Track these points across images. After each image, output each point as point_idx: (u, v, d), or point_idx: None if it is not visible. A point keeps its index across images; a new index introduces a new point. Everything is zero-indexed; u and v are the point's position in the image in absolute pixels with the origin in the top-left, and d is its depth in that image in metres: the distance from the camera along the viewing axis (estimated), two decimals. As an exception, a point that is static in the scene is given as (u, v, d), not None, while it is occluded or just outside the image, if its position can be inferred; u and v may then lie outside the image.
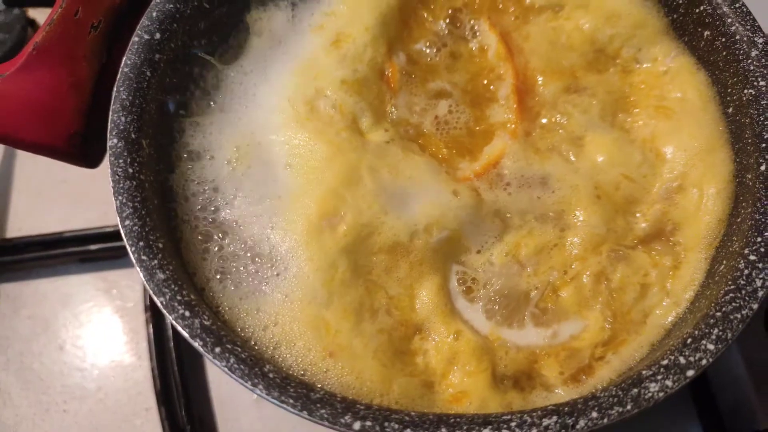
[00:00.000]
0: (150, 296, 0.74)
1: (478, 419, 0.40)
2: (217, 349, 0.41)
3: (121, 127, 0.49)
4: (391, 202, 0.52)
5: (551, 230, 0.53)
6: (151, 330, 0.75)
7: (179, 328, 0.42)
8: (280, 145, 0.54)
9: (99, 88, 0.55)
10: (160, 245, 0.46)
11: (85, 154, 0.55)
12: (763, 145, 0.49)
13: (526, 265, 0.52)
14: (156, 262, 0.44)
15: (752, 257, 0.45)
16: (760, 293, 0.43)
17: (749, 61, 0.52)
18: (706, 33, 0.56)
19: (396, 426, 0.39)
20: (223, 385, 0.74)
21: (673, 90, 0.57)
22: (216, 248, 0.51)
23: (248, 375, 0.41)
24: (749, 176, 0.50)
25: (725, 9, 0.53)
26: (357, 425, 0.39)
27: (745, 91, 0.52)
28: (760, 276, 0.44)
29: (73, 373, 0.76)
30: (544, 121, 0.57)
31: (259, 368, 0.41)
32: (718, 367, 0.69)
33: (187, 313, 0.43)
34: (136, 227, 0.45)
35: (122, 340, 0.78)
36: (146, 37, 0.52)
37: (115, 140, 0.48)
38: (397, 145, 0.55)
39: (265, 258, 0.51)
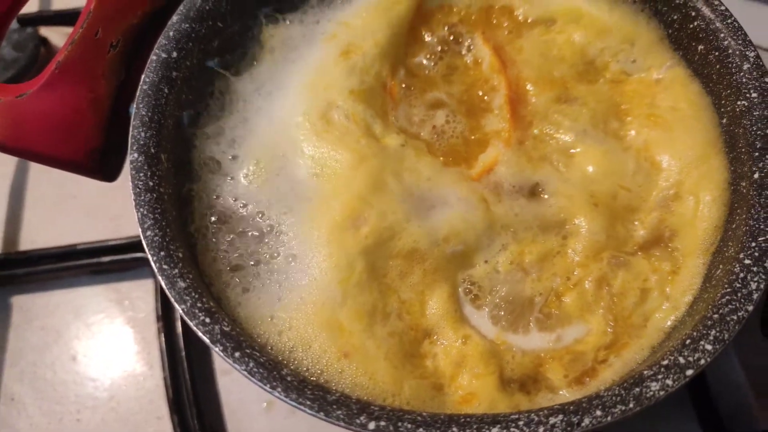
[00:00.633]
0: (161, 307, 0.77)
1: (488, 419, 0.42)
2: (237, 354, 0.43)
3: (141, 142, 0.51)
4: (414, 208, 0.54)
5: (553, 238, 0.55)
6: (163, 340, 0.76)
7: (200, 334, 0.44)
8: (304, 158, 0.56)
9: (117, 105, 0.57)
10: (180, 255, 0.47)
11: (103, 168, 0.57)
12: (756, 154, 0.51)
13: (530, 272, 0.54)
14: (177, 270, 0.46)
15: (747, 261, 0.47)
16: (755, 295, 0.45)
17: (741, 73, 0.54)
18: (700, 47, 0.58)
19: (409, 426, 0.41)
20: (234, 394, 0.75)
21: (665, 99, 0.59)
22: (232, 257, 0.53)
23: (267, 378, 0.42)
24: (744, 184, 0.52)
25: (718, 24, 0.56)
26: (372, 425, 0.41)
27: (738, 102, 0.54)
28: (755, 279, 0.46)
29: (86, 383, 0.78)
30: (536, 131, 0.59)
31: (277, 372, 0.43)
32: (717, 373, 0.71)
33: (207, 320, 0.44)
34: (157, 238, 0.47)
35: (134, 350, 0.79)
36: (163, 55, 0.55)
37: (136, 155, 0.50)
38: (411, 147, 0.58)
39: (282, 262, 0.53)
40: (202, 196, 0.56)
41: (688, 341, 0.44)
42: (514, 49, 0.62)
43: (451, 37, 0.64)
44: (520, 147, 0.58)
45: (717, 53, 0.56)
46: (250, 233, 0.55)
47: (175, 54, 0.55)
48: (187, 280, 0.46)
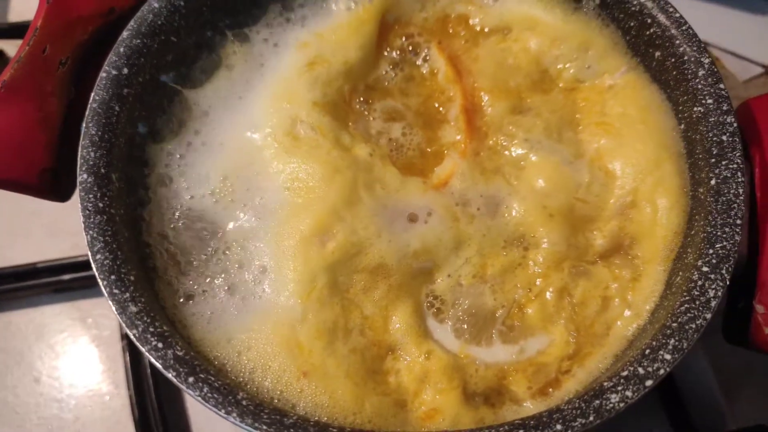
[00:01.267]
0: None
1: (447, 437, 0.41)
2: (191, 379, 0.42)
3: (91, 163, 0.50)
4: (387, 222, 0.53)
5: (515, 250, 0.55)
6: (128, 358, 0.75)
7: (153, 360, 0.43)
8: (273, 173, 0.55)
9: (68, 123, 0.56)
10: (132, 278, 0.46)
11: (56, 188, 0.55)
12: (713, 160, 0.51)
13: (493, 284, 0.54)
14: (128, 295, 0.45)
15: (705, 269, 0.47)
16: (713, 303, 0.45)
17: (697, 80, 0.54)
18: (657, 54, 0.58)
19: (368, 447, 0.40)
20: (201, 413, 0.74)
21: (615, 106, 0.59)
22: (190, 277, 0.52)
23: (222, 404, 0.41)
24: (701, 190, 0.52)
25: (673, 31, 0.56)
26: (330, 448, 0.40)
27: (695, 108, 0.54)
28: (713, 287, 0.46)
29: (50, 405, 0.76)
30: (491, 142, 0.59)
31: (232, 396, 0.42)
32: (687, 374, 0.71)
33: (160, 345, 0.43)
34: (108, 261, 0.46)
35: (99, 369, 0.78)
36: (114, 72, 0.53)
37: (85, 175, 0.49)
38: (378, 157, 0.57)
39: (242, 280, 0.52)
40: (158, 215, 0.55)
41: (647, 351, 0.44)
42: (470, 58, 0.62)
43: (410, 48, 0.63)
44: (475, 159, 0.58)
45: (673, 60, 0.56)
46: (210, 251, 0.54)
47: (126, 70, 0.54)
48: (139, 304, 0.45)
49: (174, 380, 0.42)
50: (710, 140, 0.52)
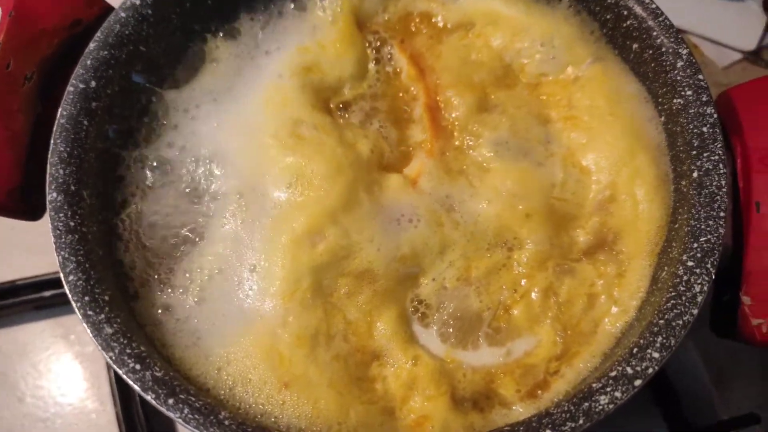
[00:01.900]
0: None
1: (436, 447, 0.40)
2: (171, 401, 0.41)
3: (60, 180, 0.48)
4: (381, 226, 0.53)
5: (499, 251, 0.54)
6: (113, 374, 0.73)
7: (130, 382, 0.42)
8: (279, 171, 0.54)
9: (36, 140, 0.54)
10: (107, 298, 0.45)
11: (26, 207, 0.54)
12: (694, 152, 0.51)
13: (478, 286, 0.53)
14: (103, 316, 0.44)
15: (690, 263, 0.46)
16: (699, 298, 0.45)
17: (676, 71, 0.53)
18: (635, 46, 0.57)
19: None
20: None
21: (582, 98, 0.58)
22: (167, 293, 0.51)
23: (203, 424, 0.40)
24: (684, 183, 0.51)
25: (650, 23, 0.55)
26: (315, 464, 0.39)
27: (675, 100, 0.53)
28: (698, 281, 0.45)
29: (36, 425, 0.75)
30: (457, 142, 0.58)
31: (214, 416, 0.41)
32: (677, 365, 0.71)
33: (137, 366, 0.42)
34: (81, 282, 0.45)
35: (83, 386, 0.76)
36: (81, 86, 0.52)
37: (55, 194, 0.48)
38: (377, 154, 0.56)
39: (223, 287, 0.51)
40: (134, 229, 0.53)
41: (635, 350, 0.44)
42: (433, 55, 0.61)
43: (378, 44, 0.62)
44: (442, 158, 0.57)
45: (651, 51, 0.55)
46: (190, 261, 0.53)
47: (93, 83, 0.52)
48: (115, 325, 0.44)
49: (153, 402, 0.41)
50: (691, 132, 0.51)
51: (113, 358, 0.42)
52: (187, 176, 0.55)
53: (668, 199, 0.54)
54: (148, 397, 0.41)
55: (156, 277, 0.52)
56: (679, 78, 0.53)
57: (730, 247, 0.51)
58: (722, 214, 0.47)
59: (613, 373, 0.42)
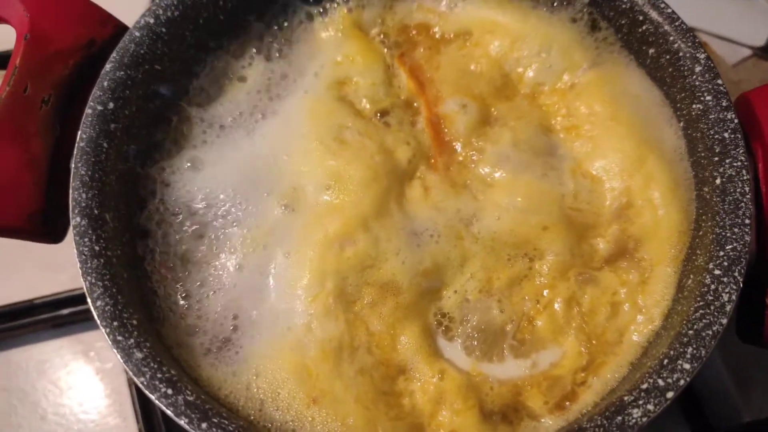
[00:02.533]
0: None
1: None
2: (204, 425, 0.41)
3: (83, 204, 0.48)
4: (408, 238, 0.53)
5: (520, 262, 0.54)
6: (134, 390, 0.73)
7: (163, 408, 0.42)
8: (318, 175, 0.55)
9: (55, 162, 0.54)
10: (135, 322, 0.45)
11: (47, 230, 0.54)
12: (716, 158, 0.50)
13: (500, 298, 0.53)
14: (132, 341, 0.44)
15: (717, 272, 0.46)
16: (728, 308, 0.45)
17: (694, 77, 0.53)
18: (651, 51, 0.57)
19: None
20: (213, 439, 0.73)
21: (580, 106, 0.58)
22: (193, 312, 0.51)
23: (237, 449, 0.40)
24: (706, 189, 0.51)
25: (666, 27, 0.55)
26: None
27: (694, 106, 0.53)
28: (726, 290, 0.45)
29: (58, 443, 0.75)
30: (460, 158, 0.58)
31: (247, 439, 0.41)
32: (701, 370, 0.71)
33: (169, 391, 0.42)
34: (109, 307, 0.45)
35: (105, 402, 0.76)
36: (99, 108, 0.52)
37: (78, 218, 0.48)
38: (414, 164, 0.57)
39: (249, 299, 0.52)
40: (160, 249, 0.54)
41: (665, 361, 0.43)
42: (432, 67, 0.61)
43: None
44: (446, 173, 0.57)
45: (668, 56, 0.55)
46: (215, 273, 0.53)
47: (111, 105, 0.52)
48: (145, 350, 0.44)
49: (186, 427, 0.41)
50: (712, 138, 0.51)
51: (145, 383, 0.42)
52: (209, 190, 0.56)
53: (687, 203, 0.53)
54: (182, 422, 0.41)
55: (181, 295, 0.52)
56: (697, 83, 0.53)
57: (754, 253, 0.51)
58: (747, 221, 0.47)
59: (645, 386, 0.42)
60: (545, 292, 0.53)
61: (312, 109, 0.57)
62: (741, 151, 0.50)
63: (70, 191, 0.49)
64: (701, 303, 0.45)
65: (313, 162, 0.55)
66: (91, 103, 0.52)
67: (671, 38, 0.55)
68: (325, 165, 0.55)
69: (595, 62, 0.59)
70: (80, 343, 0.79)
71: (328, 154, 0.55)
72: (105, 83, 0.53)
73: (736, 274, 0.45)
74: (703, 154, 0.52)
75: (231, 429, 0.41)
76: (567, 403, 0.49)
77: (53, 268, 0.81)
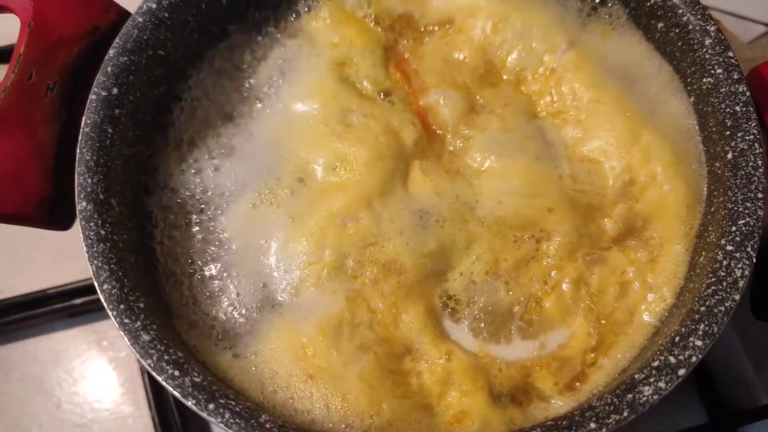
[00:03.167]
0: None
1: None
2: (211, 406, 0.41)
3: (89, 189, 0.48)
4: (411, 222, 0.53)
5: (526, 243, 0.53)
6: (147, 379, 0.74)
7: (170, 389, 0.42)
8: (325, 155, 0.55)
9: (61, 150, 0.54)
10: (141, 305, 0.45)
11: (55, 217, 0.54)
12: (727, 132, 0.49)
13: (507, 279, 0.52)
14: (139, 323, 0.44)
15: (729, 247, 0.45)
16: (741, 283, 0.44)
17: (704, 50, 0.52)
18: (660, 24, 0.56)
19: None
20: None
21: (564, 90, 0.58)
22: (201, 295, 0.51)
23: (245, 428, 0.41)
24: (718, 164, 0.50)
25: (675, 0, 0.54)
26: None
27: (704, 80, 0.52)
28: (739, 266, 0.44)
29: (73, 431, 0.75)
30: (450, 148, 0.57)
31: (255, 420, 0.41)
32: (716, 350, 0.70)
33: (176, 373, 0.42)
34: (115, 290, 0.45)
35: (119, 391, 0.77)
36: (103, 93, 0.52)
37: (84, 203, 0.48)
38: (420, 147, 0.56)
39: (250, 285, 0.52)
40: (166, 234, 0.54)
41: (677, 338, 0.43)
42: (417, 58, 0.61)
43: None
44: (439, 161, 0.57)
45: (677, 30, 0.54)
46: (218, 252, 0.53)
47: (115, 90, 0.52)
48: (151, 332, 0.44)
49: (194, 408, 0.41)
50: (723, 112, 0.50)
51: (152, 365, 0.42)
52: (214, 178, 0.56)
53: (693, 177, 0.53)
54: (189, 403, 0.41)
55: (186, 279, 0.52)
56: (707, 56, 0.52)
57: (768, 228, 0.50)
58: (760, 195, 0.46)
59: (656, 363, 0.41)
60: (553, 273, 0.53)
61: (316, 94, 0.57)
62: (753, 125, 0.49)
63: (76, 176, 0.49)
64: (713, 279, 0.44)
65: (320, 145, 0.56)
66: (95, 89, 0.52)
67: (680, 11, 0.54)
68: (330, 147, 0.55)
69: (573, 42, 0.59)
70: (94, 333, 0.80)
71: (333, 137, 0.55)
72: (109, 69, 0.53)
73: (749, 249, 0.45)
74: (714, 129, 0.51)
75: (238, 410, 0.41)
76: (577, 384, 0.49)
77: (65, 258, 0.82)
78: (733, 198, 0.47)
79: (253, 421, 0.41)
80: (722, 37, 0.52)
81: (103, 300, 0.45)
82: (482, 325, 0.51)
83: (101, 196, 0.48)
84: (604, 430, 0.39)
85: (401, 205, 0.53)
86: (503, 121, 0.57)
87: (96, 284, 0.45)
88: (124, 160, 0.52)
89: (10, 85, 0.52)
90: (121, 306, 0.44)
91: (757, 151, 0.48)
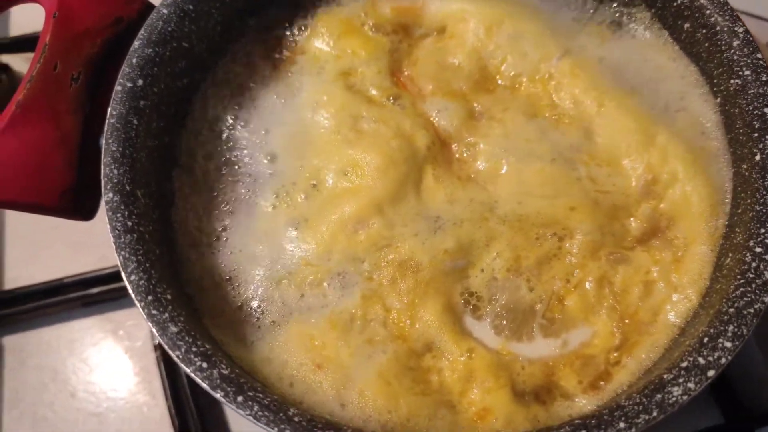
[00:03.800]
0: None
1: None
2: (240, 398, 0.41)
3: (115, 180, 0.48)
4: (426, 226, 0.53)
5: (549, 240, 0.53)
6: (163, 368, 0.74)
7: (198, 380, 0.42)
8: (337, 162, 0.56)
9: (86, 140, 0.54)
10: (169, 296, 0.45)
11: (79, 207, 0.54)
12: (755, 134, 0.49)
13: (529, 277, 0.52)
14: (167, 315, 0.44)
15: (758, 249, 0.45)
16: (770, 285, 0.44)
17: (732, 51, 0.52)
18: (686, 25, 0.56)
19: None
20: (243, 418, 0.74)
21: (563, 97, 0.58)
22: (228, 287, 0.52)
23: (274, 421, 0.41)
24: (745, 166, 0.50)
25: (702, 1, 0.54)
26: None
27: (732, 81, 0.52)
28: (768, 268, 0.44)
29: (89, 420, 0.76)
30: (457, 155, 0.57)
31: (283, 413, 0.41)
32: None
33: (204, 365, 0.42)
34: (143, 281, 0.45)
35: (134, 380, 0.77)
36: (129, 84, 0.52)
37: (111, 194, 0.48)
38: (433, 151, 0.56)
39: (266, 280, 0.53)
40: (188, 222, 0.54)
41: (705, 339, 0.43)
42: (410, 63, 0.61)
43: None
44: (450, 168, 0.57)
45: (704, 31, 0.54)
46: (239, 258, 0.53)
47: (140, 82, 0.52)
48: (179, 324, 0.44)
49: (222, 400, 0.41)
50: (751, 113, 0.50)
51: (180, 356, 0.42)
52: (242, 164, 0.57)
53: (715, 176, 0.53)
54: (217, 395, 0.41)
55: (208, 271, 0.53)
56: (735, 57, 0.52)
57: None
58: (789, 197, 0.46)
59: (684, 364, 0.42)
60: (576, 272, 0.53)
61: (325, 105, 0.58)
62: (783, 127, 0.48)
63: (102, 167, 0.49)
64: (741, 281, 0.44)
65: (332, 152, 0.56)
66: (121, 80, 0.52)
67: (708, 12, 0.54)
68: (343, 154, 0.55)
69: (567, 50, 0.59)
70: (109, 322, 0.80)
71: (345, 144, 0.56)
72: (134, 60, 0.53)
73: (779, 251, 0.44)
74: (741, 131, 0.51)
75: (266, 403, 0.41)
76: (601, 383, 0.49)
77: (81, 247, 0.82)
78: (762, 200, 0.47)
79: (281, 414, 0.41)
80: (751, 38, 0.52)
81: (130, 291, 0.45)
82: (504, 322, 0.51)
83: (127, 187, 0.48)
84: (633, 429, 0.39)
85: (414, 211, 0.54)
86: (504, 126, 0.57)
87: (123, 275, 0.45)
88: (148, 152, 0.52)
89: (36, 75, 0.52)
90: (149, 297, 0.44)
91: (787, 153, 0.48)
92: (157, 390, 0.75)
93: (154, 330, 0.43)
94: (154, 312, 0.44)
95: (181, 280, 0.52)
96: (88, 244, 0.82)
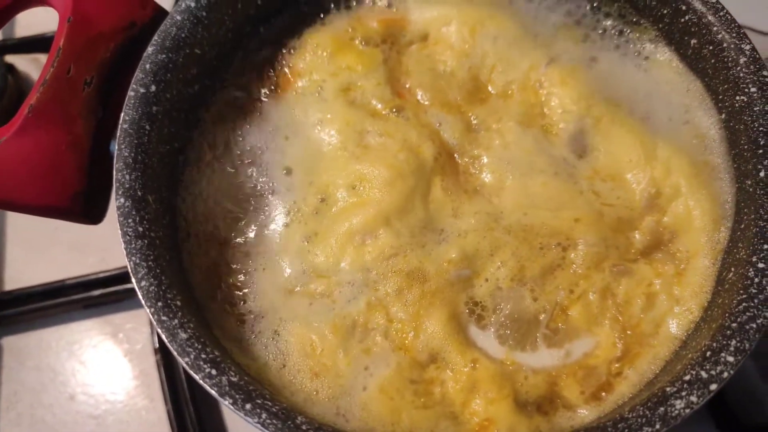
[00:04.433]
0: (159, 338, 0.75)
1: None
2: (248, 406, 0.42)
3: (127, 186, 0.49)
4: (433, 237, 0.54)
5: (553, 250, 0.54)
6: (163, 372, 0.74)
7: (207, 388, 0.42)
8: (345, 176, 0.56)
9: (97, 144, 0.55)
10: (178, 303, 0.46)
11: (88, 211, 0.55)
12: (760, 151, 0.50)
13: (533, 287, 0.53)
14: (176, 321, 0.44)
15: (761, 265, 0.46)
16: (772, 301, 0.44)
17: (738, 68, 0.53)
18: (693, 41, 0.57)
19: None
20: (241, 422, 0.74)
21: (554, 104, 0.59)
22: (234, 296, 0.52)
23: (282, 429, 0.41)
24: (749, 182, 0.51)
25: (710, 18, 0.54)
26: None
27: (737, 98, 0.53)
28: (770, 284, 0.45)
29: (87, 422, 0.76)
30: (462, 169, 0.58)
31: (291, 421, 0.41)
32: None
33: (213, 372, 0.43)
34: (153, 287, 0.45)
35: (133, 384, 0.77)
36: (142, 90, 0.52)
37: (122, 199, 0.48)
38: (440, 162, 0.57)
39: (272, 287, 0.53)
40: (198, 229, 0.55)
41: (708, 353, 0.43)
42: (402, 72, 0.61)
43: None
44: (457, 180, 0.57)
45: (711, 47, 0.55)
46: (249, 266, 0.53)
47: (153, 88, 0.52)
48: (189, 330, 0.44)
49: (231, 408, 0.41)
50: (756, 130, 0.51)
51: (189, 363, 0.43)
52: (252, 179, 0.57)
53: (717, 191, 0.54)
54: (226, 402, 0.42)
55: (216, 278, 0.53)
56: (741, 75, 0.53)
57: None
58: (792, 215, 0.47)
59: (687, 377, 0.42)
60: (579, 283, 0.53)
61: (330, 122, 0.58)
62: (787, 145, 0.49)
63: (114, 172, 0.49)
64: (744, 296, 0.45)
65: (340, 169, 0.56)
66: (134, 86, 0.52)
67: (715, 29, 0.54)
68: (350, 170, 0.56)
69: (552, 58, 0.59)
70: (109, 325, 0.80)
71: (353, 160, 0.56)
72: (147, 66, 0.53)
73: (782, 267, 0.45)
74: (746, 147, 0.52)
75: (275, 411, 0.42)
76: (603, 393, 0.49)
77: (84, 249, 0.82)
78: (765, 216, 0.47)
79: (290, 423, 0.41)
80: (757, 56, 0.52)
81: (141, 296, 0.45)
82: (508, 332, 0.52)
83: (139, 193, 0.49)
84: (636, 442, 0.40)
85: (421, 223, 0.54)
86: (503, 137, 0.58)
87: (134, 281, 0.45)
88: (159, 158, 0.53)
89: (49, 78, 0.52)
90: (159, 303, 0.45)
91: (790, 171, 0.48)
92: (156, 393, 0.76)
93: (163, 337, 0.44)
94: (164, 318, 0.44)
95: (191, 287, 0.52)
96: (90, 247, 0.82)
